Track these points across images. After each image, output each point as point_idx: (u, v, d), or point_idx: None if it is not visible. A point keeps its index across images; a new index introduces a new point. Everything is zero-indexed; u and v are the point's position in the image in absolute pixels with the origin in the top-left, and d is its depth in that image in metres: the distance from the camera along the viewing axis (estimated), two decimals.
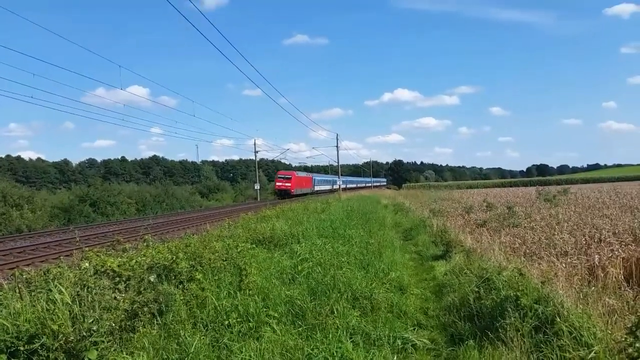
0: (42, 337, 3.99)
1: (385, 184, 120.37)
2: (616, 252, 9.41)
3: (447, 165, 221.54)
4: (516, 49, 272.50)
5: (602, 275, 8.26)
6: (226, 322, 5.64)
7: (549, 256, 9.75)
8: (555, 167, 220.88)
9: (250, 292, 6.74)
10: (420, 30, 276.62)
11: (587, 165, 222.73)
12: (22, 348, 3.92)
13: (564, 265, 8.64)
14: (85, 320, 4.44)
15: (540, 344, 5.13)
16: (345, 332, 5.52)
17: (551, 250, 10.33)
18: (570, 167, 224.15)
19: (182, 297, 6.20)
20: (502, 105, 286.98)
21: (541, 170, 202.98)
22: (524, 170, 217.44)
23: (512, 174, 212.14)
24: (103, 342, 4.30)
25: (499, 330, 5.50)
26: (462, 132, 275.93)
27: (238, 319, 5.72)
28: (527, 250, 10.65)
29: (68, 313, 4.41)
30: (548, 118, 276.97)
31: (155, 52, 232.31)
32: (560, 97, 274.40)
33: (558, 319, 5.28)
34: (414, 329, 6.27)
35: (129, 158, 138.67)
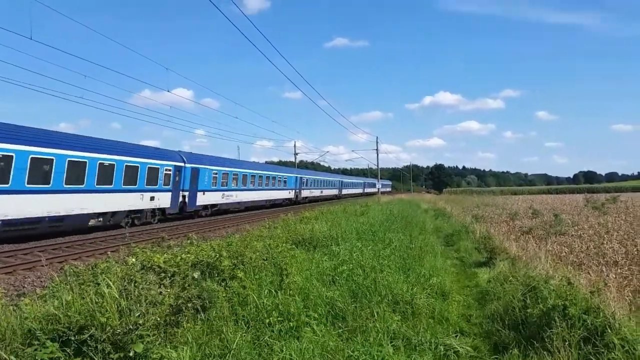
0: (91, 329, 4.12)
1: (389, 189, 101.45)
2: None
3: (490, 170, 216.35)
4: (564, 52, 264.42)
5: None
6: (267, 321, 5.68)
7: (598, 266, 9.38)
8: (603, 175, 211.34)
9: (290, 292, 6.78)
10: (464, 32, 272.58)
11: (638, 173, 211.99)
12: (72, 338, 4.06)
13: (614, 275, 8.29)
14: (132, 313, 4.57)
15: (589, 355, 4.94)
16: (385, 336, 5.46)
17: (600, 260, 9.96)
18: (620, 174, 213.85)
19: (224, 295, 6.30)
20: (549, 109, 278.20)
21: (589, 177, 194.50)
22: (571, 177, 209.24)
23: (558, 180, 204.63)
24: (149, 335, 4.41)
25: (545, 340, 5.33)
26: (506, 137, 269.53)
27: (279, 318, 5.76)
28: (575, 259, 10.28)
29: (115, 306, 4.55)
30: (597, 123, 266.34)
31: (200, 55, 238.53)
32: (609, 101, 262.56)
33: (609, 331, 5.10)
34: (456, 336, 6.13)
35: None
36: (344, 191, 70.49)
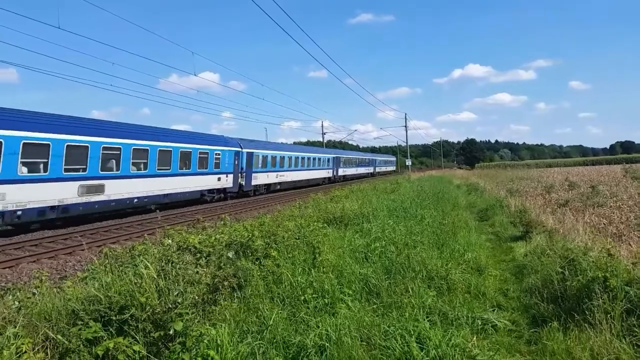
0: (132, 309, 4.22)
1: (392, 167, 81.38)
2: None
3: (524, 143, 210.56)
4: (596, 20, 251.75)
5: None
6: (302, 298, 5.72)
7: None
8: None
9: (324, 269, 6.80)
10: (492, 2, 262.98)
11: None
12: (114, 318, 4.17)
13: None
14: (171, 293, 4.66)
15: (633, 327, 4.80)
16: (421, 311, 5.43)
17: None
18: None
19: (259, 273, 6.37)
20: (583, 79, 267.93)
21: (626, 147, 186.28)
22: (607, 147, 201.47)
23: (594, 151, 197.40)
24: (187, 313, 4.48)
25: (586, 312, 5.20)
26: (539, 108, 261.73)
27: (313, 295, 5.79)
28: (615, 231, 9.95)
29: (154, 286, 4.64)
30: (633, 91, 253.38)
31: (225, 38, 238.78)
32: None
33: None
34: (494, 310, 6.04)
35: None
36: (378, 169, 70.37)
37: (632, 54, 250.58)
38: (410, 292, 6.11)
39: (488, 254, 9.81)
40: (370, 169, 66.53)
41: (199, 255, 6.36)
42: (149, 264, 5.12)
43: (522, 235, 11.47)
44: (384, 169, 75.40)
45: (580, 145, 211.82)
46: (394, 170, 52.38)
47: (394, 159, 52.64)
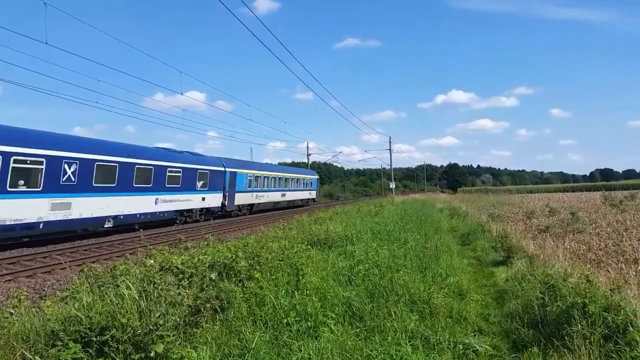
0: (112, 330, 4.16)
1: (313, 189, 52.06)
2: None
3: (505, 169, 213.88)
4: (577, 49, 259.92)
5: None
6: (285, 321, 5.70)
7: (617, 263, 9.25)
8: (620, 172, 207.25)
9: (307, 292, 6.79)
10: (475, 30, 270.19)
11: None
12: (94, 339, 4.10)
13: (634, 273, 8.16)
14: (152, 314, 4.61)
15: (610, 353, 4.87)
16: (403, 335, 5.44)
17: (620, 258, 9.80)
18: (638, 171, 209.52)
19: (242, 295, 6.33)
20: (563, 107, 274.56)
21: (606, 174, 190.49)
22: (587, 174, 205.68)
23: (574, 178, 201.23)
24: (169, 336, 4.43)
25: (565, 338, 5.26)
26: (521, 135, 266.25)
27: (296, 318, 5.77)
28: (593, 257, 10.15)
29: (136, 307, 4.58)
30: (612, 121, 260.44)
31: (212, 58, 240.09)
32: (625, 98, 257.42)
33: (631, 328, 5.01)
34: (475, 335, 6.07)
35: None
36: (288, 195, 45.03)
37: (612, 83, 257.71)
38: (393, 315, 6.13)
39: (470, 278, 9.89)
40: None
41: (181, 276, 6.29)
42: (130, 284, 5.06)
43: (504, 260, 11.59)
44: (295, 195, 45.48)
45: (561, 172, 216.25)
46: (312, 200, 48.57)
47: (314, 177, 48.76)
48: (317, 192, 49.79)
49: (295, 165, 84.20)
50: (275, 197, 38.09)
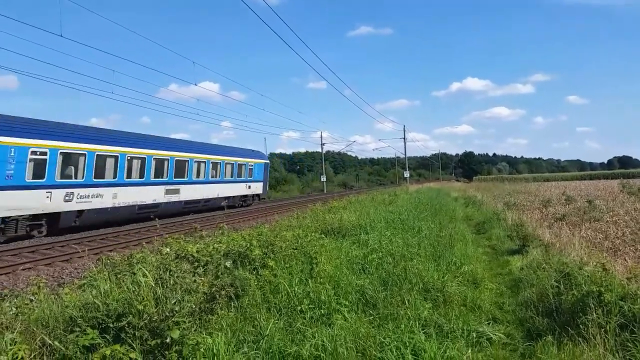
0: (129, 316, 4.24)
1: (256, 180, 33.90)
2: None
3: (521, 157, 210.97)
4: (594, 35, 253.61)
5: None
6: (299, 308, 5.75)
7: (635, 252, 9.11)
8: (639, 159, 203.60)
9: (321, 280, 6.83)
10: (490, 15, 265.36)
11: None
12: (111, 325, 4.18)
13: None
14: (168, 301, 4.67)
15: (626, 342, 4.82)
16: (417, 323, 5.45)
17: (637, 246, 9.64)
18: None
19: (256, 283, 6.40)
20: (580, 93, 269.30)
21: (624, 162, 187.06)
22: (605, 162, 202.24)
23: (592, 166, 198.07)
24: (184, 322, 4.50)
25: (580, 326, 5.21)
26: (537, 122, 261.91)
27: (310, 306, 5.82)
28: (610, 246, 10.01)
29: (152, 294, 4.65)
30: (631, 107, 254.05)
31: (226, 48, 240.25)
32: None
33: None
34: (489, 323, 6.05)
35: None
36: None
37: (629, 68, 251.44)
38: (407, 304, 6.14)
39: (485, 267, 9.84)
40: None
41: (196, 264, 6.38)
42: (147, 272, 5.14)
43: (519, 249, 11.50)
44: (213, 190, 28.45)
45: (578, 160, 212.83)
46: (254, 197, 33.27)
47: (259, 162, 33.83)
48: (264, 185, 35.06)
49: (309, 155, 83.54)
50: (142, 195, 20.84)
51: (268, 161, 32.36)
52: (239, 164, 30.58)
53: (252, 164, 32.50)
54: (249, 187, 32.02)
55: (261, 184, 34.23)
